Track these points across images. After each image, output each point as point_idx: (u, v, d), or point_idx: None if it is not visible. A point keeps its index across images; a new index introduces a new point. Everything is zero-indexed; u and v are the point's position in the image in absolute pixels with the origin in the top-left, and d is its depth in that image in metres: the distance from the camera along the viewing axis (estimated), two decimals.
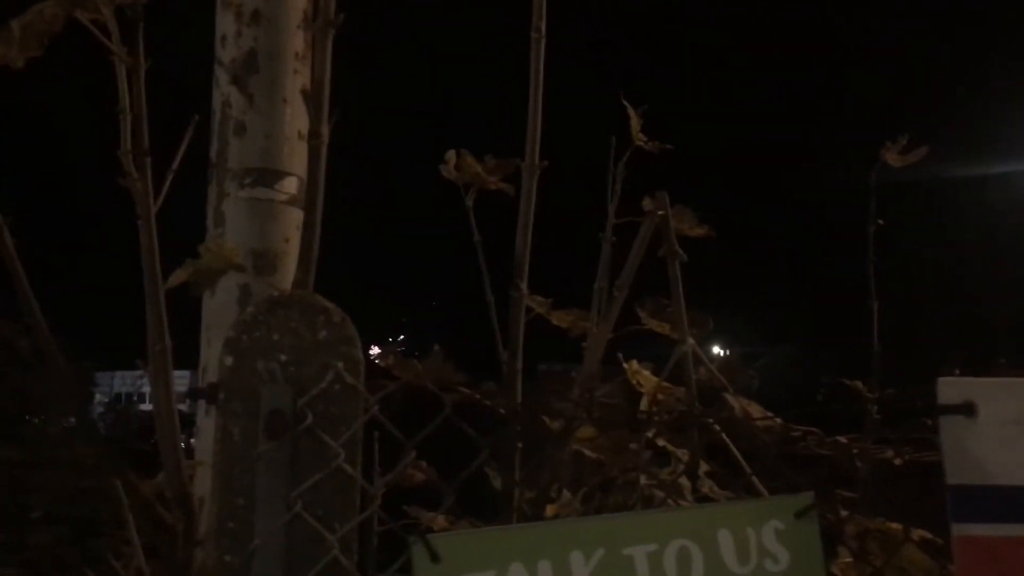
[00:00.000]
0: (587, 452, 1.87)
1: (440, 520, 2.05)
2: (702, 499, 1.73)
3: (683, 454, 1.91)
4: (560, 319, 2.21)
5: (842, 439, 1.55)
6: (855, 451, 1.50)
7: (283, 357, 1.29)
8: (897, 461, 1.42)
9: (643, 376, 2.14)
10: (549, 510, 1.82)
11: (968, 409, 1.35)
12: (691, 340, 1.61)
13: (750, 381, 2.23)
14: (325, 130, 1.54)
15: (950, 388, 1.36)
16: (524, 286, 1.77)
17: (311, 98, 1.51)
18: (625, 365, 2.14)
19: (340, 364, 1.29)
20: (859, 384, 2.34)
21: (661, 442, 1.83)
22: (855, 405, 1.84)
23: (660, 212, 1.65)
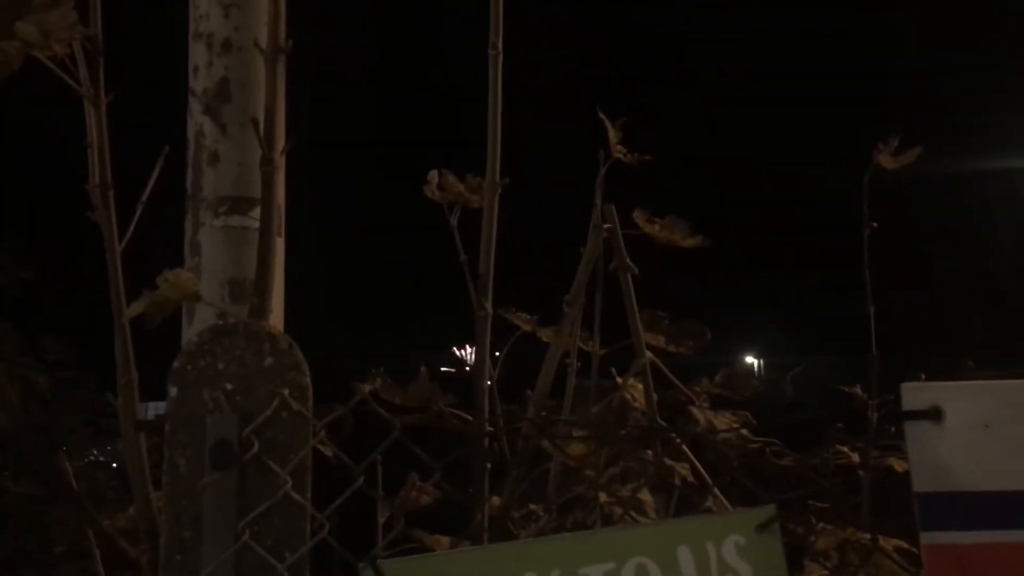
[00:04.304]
0: (573, 465, 1.84)
1: (444, 542, 2.04)
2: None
3: (682, 467, 1.88)
4: (547, 335, 2.19)
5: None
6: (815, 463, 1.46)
7: (229, 386, 1.28)
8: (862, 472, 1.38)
9: (637, 390, 2.11)
10: (534, 528, 1.80)
11: (934, 414, 1.31)
12: (649, 354, 1.58)
13: (754, 391, 2.19)
14: (278, 157, 1.54)
15: (915, 393, 1.32)
16: (489, 305, 1.74)
17: (262, 125, 1.51)
18: (619, 380, 2.11)
19: (286, 391, 1.28)
20: (858, 390, 2.30)
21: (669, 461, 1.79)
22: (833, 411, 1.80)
23: (608, 226, 1.62)
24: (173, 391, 1.27)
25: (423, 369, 2.10)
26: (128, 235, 1.75)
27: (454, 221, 2.19)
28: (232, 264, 1.90)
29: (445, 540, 2.05)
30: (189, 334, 1.92)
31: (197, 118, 1.94)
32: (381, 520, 2.06)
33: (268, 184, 1.57)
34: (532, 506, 1.87)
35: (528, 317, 2.19)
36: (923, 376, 1.35)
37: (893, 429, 1.31)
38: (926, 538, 1.28)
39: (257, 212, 1.94)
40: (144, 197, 1.85)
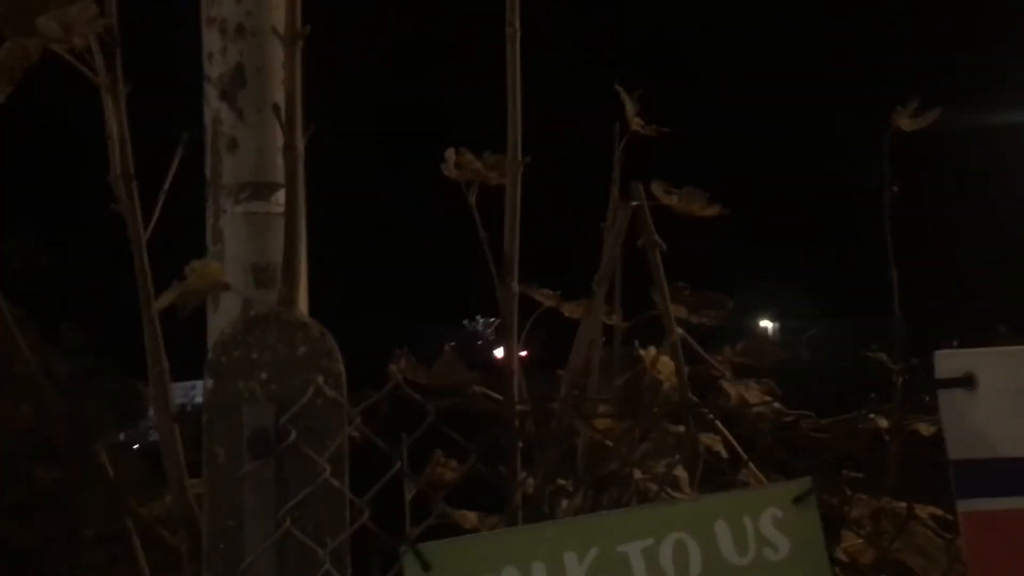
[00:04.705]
0: (608, 443, 1.85)
1: (471, 517, 2.05)
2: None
3: (712, 438, 1.88)
4: (571, 311, 2.20)
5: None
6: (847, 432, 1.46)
7: (263, 375, 1.29)
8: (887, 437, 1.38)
9: (662, 363, 2.11)
10: (565, 505, 1.81)
11: (967, 381, 1.31)
12: (679, 330, 1.58)
13: (776, 358, 2.19)
14: (300, 143, 1.53)
15: (948, 361, 1.32)
16: (515, 283, 1.74)
17: (283, 112, 1.50)
18: (642, 352, 2.11)
19: (321, 379, 1.28)
20: (883, 356, 2.29)
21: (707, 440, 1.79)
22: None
23: (635, 202, 1.61)
24: (209, 382, 1.28)
25: (447, 347, 2.11)
26: (152, 225, 1.76)
27: (472, 199, 2.19)
28: (255, 250, 1.91)
29: (472, 515, 2.07)
30: (214, 321, 1.93)
31: (214, 104, 1.94)
32: (408, 498, 2.07)
33: (292, 170, 1.57)
34: (561, 481, 1.88)
35: (551, 293, 2.19)
36: (955, 343, 1.35)
37: (928, 398, 1.31)
38: (962, 505, 1.28)
39: (277, 197, 1.94)
40: (166, 186, 1.85)
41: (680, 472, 1.56)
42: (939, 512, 1.44)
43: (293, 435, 1.26)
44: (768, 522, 1.28)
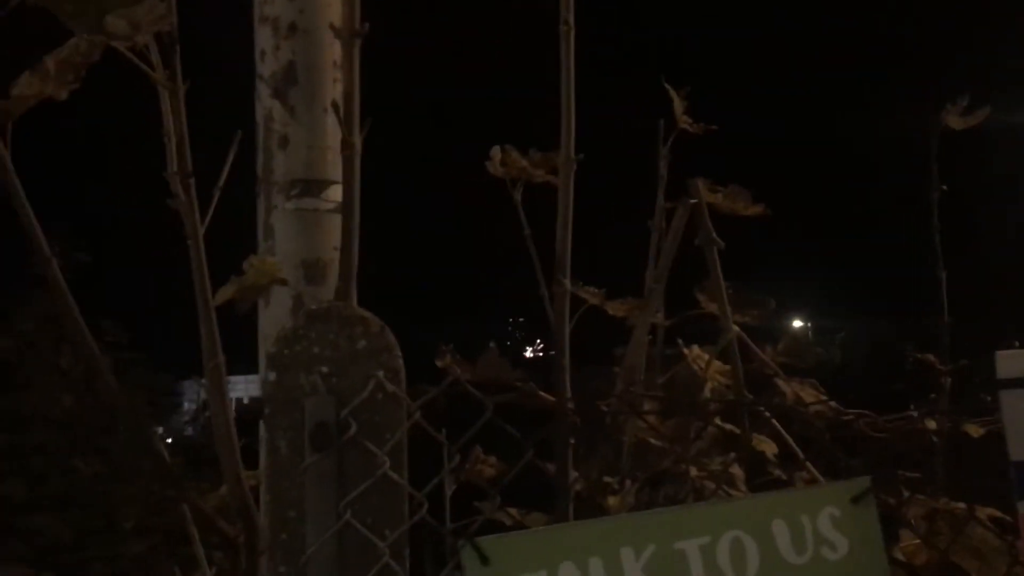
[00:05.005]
0: (653, 441, 1.85)
1: (512, 513, 2.06)
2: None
3: (759, 439, 1.88)
4: (615, 309, 2.20)
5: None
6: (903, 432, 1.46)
7: (324, 369, 1.30)
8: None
9: (705, 361, 2.11)
10: (611, 501, 1.82)
11: None
12: (736, 328, 1.58)
13: (817, 358, 2.19)
14: (357, 140, 1.55)
15: (1010, 361, 1.31)
16: (567, 282, 1.75)
17: (341, 109, 1.52)
18: (686, 351, 2.11)
19: (381, 373, 1.30)
20: (930, 357, 2.28)
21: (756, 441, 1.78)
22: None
23: (694, 200, 1.61)
24: (271, 375, 1.29)
25: (492, 345, 2.12)
26: (207, 221, 1.78)
27: (517, 196, 2.20)
28: (305, 246, 1.93)
29: (512, 512, 2.08)
30: (266, 316, 1.95)
31: (266, 102, 1.96)
32: (449, 493, 2.08)
33: (349, 167, 1.58)
34: (607, 479, 1.89)
35: (596, 291, 2.20)
36: (1017, 344, 1.34)
37: (989, 398, 1.31)
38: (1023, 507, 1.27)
39: (327, 194, 1.96)
40: (220, 183, 1.87)
41: (736, 470, 1.56)
42: (997, 513, 1.43)
43: (353, 428, 1.27)
44: (826, 521, 1.28)
